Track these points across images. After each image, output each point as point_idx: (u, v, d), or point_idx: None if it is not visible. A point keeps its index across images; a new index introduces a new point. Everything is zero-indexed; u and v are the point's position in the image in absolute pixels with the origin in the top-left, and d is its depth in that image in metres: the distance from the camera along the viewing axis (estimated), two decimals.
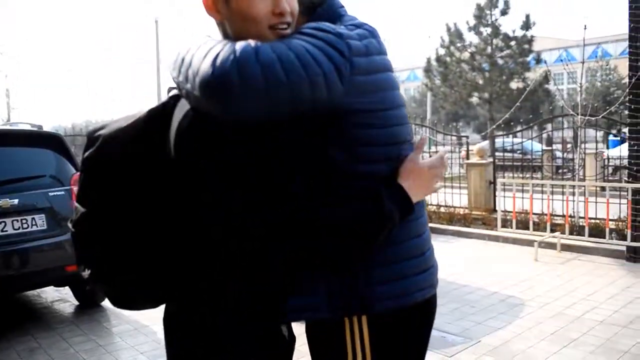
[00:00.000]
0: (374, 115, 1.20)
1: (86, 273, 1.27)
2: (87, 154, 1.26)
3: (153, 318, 4.41)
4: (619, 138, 15.80)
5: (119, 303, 1.31)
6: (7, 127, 5.27)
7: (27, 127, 4.93)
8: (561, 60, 8.81)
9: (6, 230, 4.06)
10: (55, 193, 4.37)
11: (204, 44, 1.10)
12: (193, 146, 1.08)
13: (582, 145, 7.82)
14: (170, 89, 1.25)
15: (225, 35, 1.19)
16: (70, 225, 1.28)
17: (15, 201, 4.10)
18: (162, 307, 1.33)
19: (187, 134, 1.09)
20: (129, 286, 1.25)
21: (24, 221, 4.16)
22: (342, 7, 1.33)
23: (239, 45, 1.03)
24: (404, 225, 1.23)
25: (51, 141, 4.62)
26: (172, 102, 1.18)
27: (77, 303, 5.05)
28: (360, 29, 1.21)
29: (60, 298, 5.28)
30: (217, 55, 1.02)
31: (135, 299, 1.30)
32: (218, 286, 1.17)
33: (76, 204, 1.27)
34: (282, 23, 1.13)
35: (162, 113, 1.19)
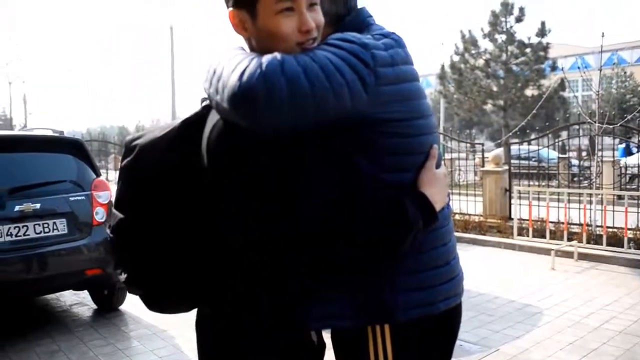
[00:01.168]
0: (401, 124, 1.21)
1: (123, 277, 1.30)
2: (124, 162, 1.30)
3: (171, 323, 4.45)
4: (623, 146, 15.62)
5: (153, 306, 1.34)
6: (29, 132, 5.35)
7: (49, 133, 5.01)
8: (578, 68, 8.77)
9: (28, 234, 4.12)
10: (75, 198, 4.43)
11: (233, 57, 1.12)
12: (220, 156, 1.11)
13: (599, 153, 7.76)
14: (203, 100, 1.27)
15: (252, 50, 1.21)
16: (108, 230, 1.33)
17: (37, 205, 4.16)
18: (180, 313, 1.37)
19: (215, 144, 1.12)
20: (163, 290, 1.29)
21: (45, 225, 4.23)
22: (370, 16, 1.34)
23: (265, 58, 1.06)
24: (429, 233, 1.23)
25: (72, 146, 4.69)
26: (205, 112, 1.21)
27: (95, 307, 5.11)
28: (386, 39, 1.22)
29: (78, 302, 5.34)
30: (245, 68, 1.05)
31: (169, 302, 1.33)
32: (241, 296, 1.19)
33: (114, 211, 1.31)
34: (308, 40, 1.16)
35: (195, 123, 1.22)
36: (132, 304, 5.02)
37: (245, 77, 1.04)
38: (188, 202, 1.22)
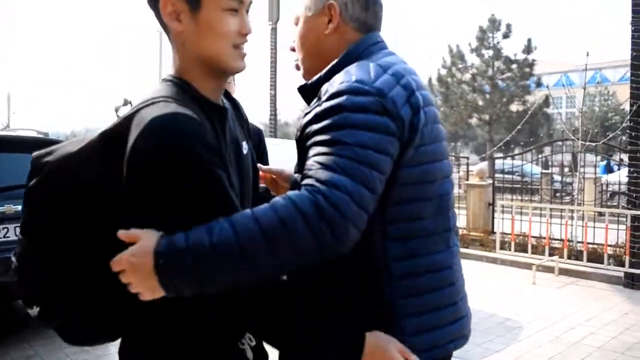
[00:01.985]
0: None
1: (34, 311, 1.15)
2: (31, 183, 1.14)
3: None
4: (604, 163, 15.86)
5: (72, 340, 1.22)
6: (13, 133, 5.29)
7: (33, 134, 4.96)
8: (563, 85, 8.91)
9: (8, 237, 4.07)
10: None
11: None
12: (140, 173, 1.00)
13: (581, 170, 7.88)
14: (118, 108, 1.22)
15: (177, 51, 1.17)
16: (14, 258, 1.16)
17: (19, 207, 4.11)
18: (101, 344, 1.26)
19: (136, 160, 1.01)
20: (81, 322, 1.16)
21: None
22: (379, 42, 1.35)
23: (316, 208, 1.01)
24: (436, 274, 1.24)
25: None
26: (126, 123, 1.06)
27: None
28: (387, 76, 1.19)
29: None
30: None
31: (89, 335, 1.21)
32: (158, 326, 1.13)
33: (20, 237, 1.16)
34: (244, 43, 1.17)
35: (116, 136, 1.06)
36: None
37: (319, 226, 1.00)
38: (104, 224, 1.06)
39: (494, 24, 23.40)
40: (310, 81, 1.34)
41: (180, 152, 0.98)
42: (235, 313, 1.09)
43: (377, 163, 1.08)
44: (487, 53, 23.57)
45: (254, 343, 1.22)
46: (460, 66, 23.70)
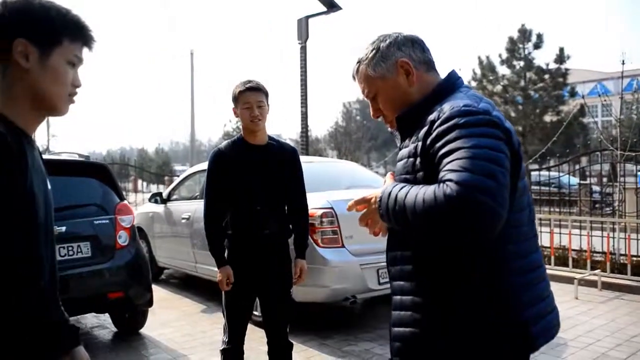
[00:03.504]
0: None
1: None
2: None
3: (191, 347, 4.45)
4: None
5: None
6: (57, 156, 5.47)
7: (75, 157, 5.12)
8: (599, 95, 8.73)
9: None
10: (100, 221, 4.50)
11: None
12: None
13: (621, 180, 7.67)
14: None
15: (11, 85, 1.26)
16: None
17: (63, 228, 4.22)
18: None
19: None
20: None
21: (70, 248, 4.29)
22: (459, 78, 1.60)
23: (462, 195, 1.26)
24: (534, 271, 1.48)
25: (98, 171, 4.78)
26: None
27: (115, 330, 5.13)
28: (484, 103, 1.44)
29: (99, 324, 5.38)
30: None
31: None
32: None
33: None
34: (75, 94, 1.35)
35: None
36: (153, 328, 5.04)
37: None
38: None
39: (525, 34, 23.12)
40: (408, 108, 1.54)
41: None
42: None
43: (496, 158, 1.28)
44: (519, 64, 23.26)
45: None
46: (491, 78, 23.45)
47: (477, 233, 1.25)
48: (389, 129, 1.67)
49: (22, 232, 1.16)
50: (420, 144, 1.42)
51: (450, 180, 1.25)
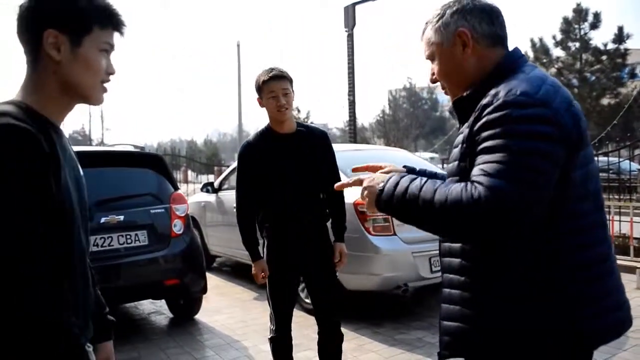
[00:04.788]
0: None
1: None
2: None
3: (244, 334, 4.54)
4: None
5: None
6: (113, 148, 5.66)
7: (131, 148, 5.27)
8: None
9: (112, 245, 4.35)
10: (155, 211, 4.63)
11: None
12: None
13: None
14: None
15: (43, 77, 1.25)
16: None
17: (121, 217, 4.38)
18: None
19: None
20: None
21: (128, 237, 4.44)
22: (521, 56, 1.49)
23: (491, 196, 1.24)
24: (600, 265, 1.40)
25: (153, 161, 4.92)
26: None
27: (171, 315, 5.29)
28: (547, 85, 1.34)
29: (155, 310, 5.55)
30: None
31: None
32: None
33: None
34: (108, 81, 1.34)
35: None
36: (206, 314, 5.17)
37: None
38: None
39: (580, 14, 22.19)
40: (465, 93, 1.45)
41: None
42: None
43: (541, 168, 1.23)
44: (574, 45, 22.38)
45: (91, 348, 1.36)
46: (544, 60, 22.64)
47: (493, 236, 1.25)
48: (448, 111, 1.64)
49: (41, 231, 1.12)
50: (469, 129, 1.37)
51: (481, 183, 1.22)
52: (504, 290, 1.36)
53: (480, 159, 1.28)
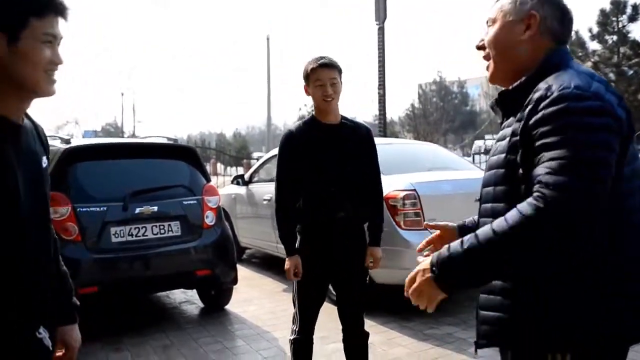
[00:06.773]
0: None
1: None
2: None
3: (274, 325, 4.58)
4: None
5: None
6: (147, 140, 5.75)
7: (164, 141, 5.36)
8: None
9: (147, 235, 4.44)
10: (188, 202, 4.71)
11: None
12: None
13: None
14: None
15: None
16: None
17: (155, 208, 4.47)
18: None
19: None
20: None
21: (161, 227, 4.52)
22: (568, 53, 1.49)
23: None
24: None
25: (185, 153, 5.00)
26: None
27: (202, 305, 5.37)
28: (596, 83, 1.33)
29: (187, 300, 5.65)
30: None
31: None
32: None
33: None
34: (55, 70, 1.31)
35: None
36: (237, 305, 5.24)
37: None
38: None
39: (618, 6, 21.58)
40: (512, 86, 1.45)
41: None
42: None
43: (605, 160, 1.22)
44: (611, 38, 21.79)
45: (47, 335, 1.37)
46: (580, 54, 22.11)
47: (572, 240, 1.20)
48: (489, 106, 1.60)
49: None
50: (523, 123, 1.34)
51: (547, 184, 1.20)
52: (546, 283, 1.34)
53: (543, 156, 1.25)
